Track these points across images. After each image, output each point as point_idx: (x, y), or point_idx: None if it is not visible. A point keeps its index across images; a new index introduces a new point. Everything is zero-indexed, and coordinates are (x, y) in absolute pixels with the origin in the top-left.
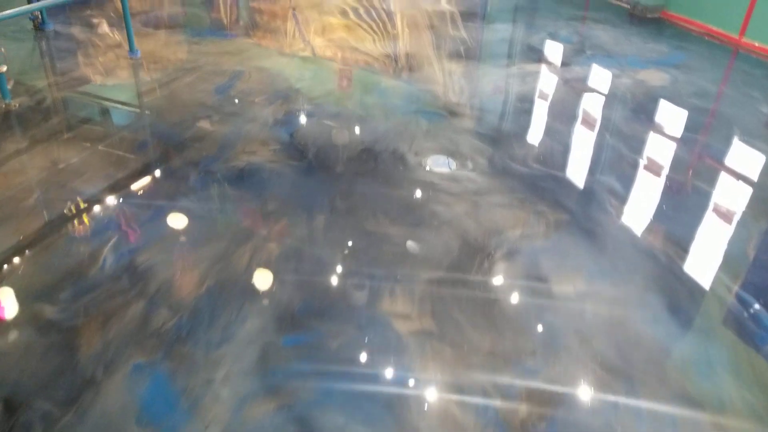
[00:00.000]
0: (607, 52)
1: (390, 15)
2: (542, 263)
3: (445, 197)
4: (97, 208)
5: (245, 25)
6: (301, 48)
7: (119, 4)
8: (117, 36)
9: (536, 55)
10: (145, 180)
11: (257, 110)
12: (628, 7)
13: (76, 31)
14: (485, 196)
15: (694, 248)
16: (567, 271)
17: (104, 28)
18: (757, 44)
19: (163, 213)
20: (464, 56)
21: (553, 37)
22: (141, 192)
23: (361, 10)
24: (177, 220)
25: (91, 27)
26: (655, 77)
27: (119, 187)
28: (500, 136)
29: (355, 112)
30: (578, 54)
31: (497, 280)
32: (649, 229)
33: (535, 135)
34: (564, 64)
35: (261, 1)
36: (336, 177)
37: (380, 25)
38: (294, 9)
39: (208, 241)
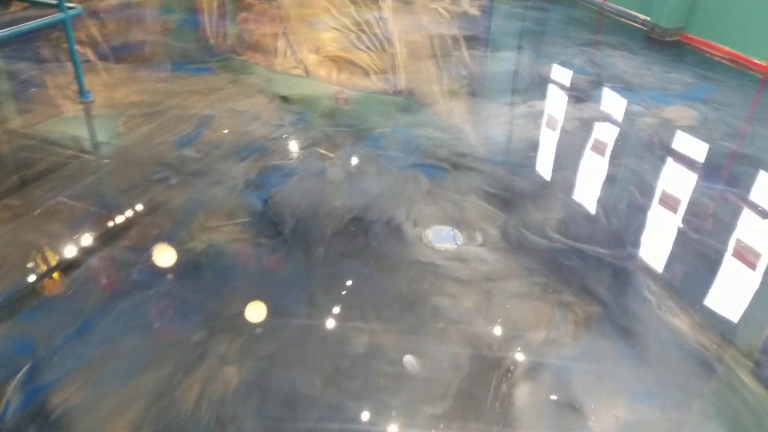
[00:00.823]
0: (626, 84)
1: (389, 42)
2: (574, 382)
3: (450, 286)
4: None
5: (225, 54)
6: (286, 86)
7: (84, 33)
8: (70, 74)
9: (548, 90)
10: (70, 278)
11: (226, 168)
12: (645, 29)
13: (23, 67)
14: (498, 282)
15: (762, 351)
16: (605, 393)
17: (56, 63)
18: None
19: (89, 328)
20: (468, 92)
21: (565, 66)
22: (62, 298)
23: (357, 37)
24: (106, 338)
25: (41, 62)
26: (682, 115)
27: (32, 291)
28: (513, 197)
29: (344, 168)
30: (594, 87)
31: (519, 413)
32: (700, 324)
33: (552, 194)
34: (579, 99)
35: (248, 27)
36: (318, 260)
37: (377, 54)
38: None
39: (146, 368)
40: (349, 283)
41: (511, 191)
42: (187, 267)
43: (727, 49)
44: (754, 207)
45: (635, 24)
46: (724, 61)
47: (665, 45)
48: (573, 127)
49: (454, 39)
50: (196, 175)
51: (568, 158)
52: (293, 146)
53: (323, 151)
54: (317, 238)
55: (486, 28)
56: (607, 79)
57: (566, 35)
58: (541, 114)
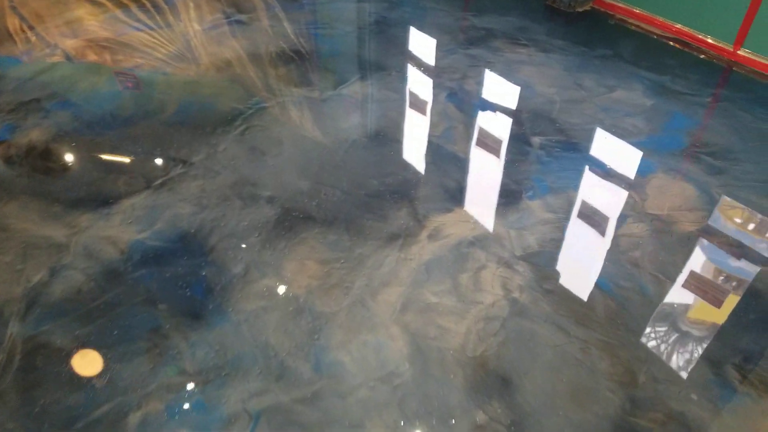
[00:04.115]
0: (565, 137)
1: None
2: None
3: None
4: None
5: None
6: None
7: None
8: None
9: (443, 183)
10: None
11: None
12: None
13: None
14: None
15: None
16: None
17: None
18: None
19: None
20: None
21: (454, 99)
22: None
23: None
24: None
25: None
26: (676, 203)
27: None
28: None
29: None
30: (522, 157)
31: None
32: None
33: None
34: (506, 201)
35: None
36: None
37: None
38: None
39: None
40: None
41: None
42: None
43: (668, 22)
44: None
45: None
46: (670, 43)
47: (579, 23)
48: (521, 289)
49: (260, 63)
50: None
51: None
52: None
53: None
54: None
55: (314, 28)
56: (530, 124)
57: (436, 26)
58: (444, 261)
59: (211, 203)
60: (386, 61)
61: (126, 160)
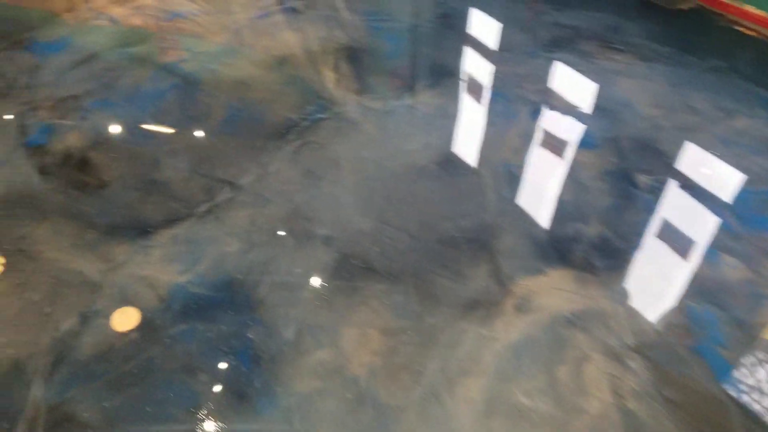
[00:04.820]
0: (678, 178)
1: None
2: None
3: None
4: None
5: None
6: None
7: None
8: None
9: (530, 232)
10: None
11: None
12: None
13: None
14: None
15: None
16: None
17: None
18: None
19: None
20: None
21: (539, 117)
22: None
23: None
24: None
25: None
26: None
27: None
28: None
29: None
30: (626, 201)
31: None
32: None
33: None
34: (611, 264)
35: None
36: None
37: None
38: None
39: None
40: None
41: None
42: None
43: None
44: None
45: None
46: None
47: (682, 23)
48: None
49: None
50: None
51: None
52: None
53: None
54: None
55: (375, 20)
56: (629, 155)
57: (514, 21)
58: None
59: (261, 240)
60: (456, 63)
61: (168, 177)
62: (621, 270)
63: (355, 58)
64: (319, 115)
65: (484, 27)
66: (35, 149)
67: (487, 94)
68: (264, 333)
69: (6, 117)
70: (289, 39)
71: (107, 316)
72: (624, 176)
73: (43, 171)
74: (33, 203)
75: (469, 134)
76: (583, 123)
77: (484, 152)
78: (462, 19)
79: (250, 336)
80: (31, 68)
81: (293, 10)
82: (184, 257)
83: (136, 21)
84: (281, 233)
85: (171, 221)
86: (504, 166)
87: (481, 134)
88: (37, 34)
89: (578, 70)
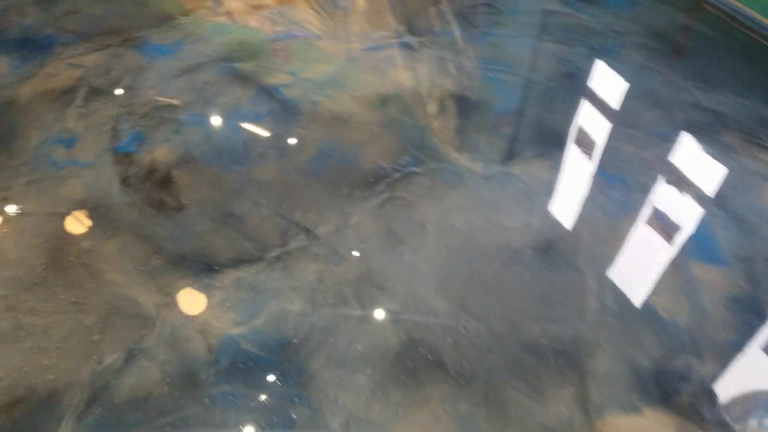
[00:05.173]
0: None
1: None
2: None
3: None
4: None
5: None
6: None
7: None
8: None
9: (632, 358)
10: None
11: None
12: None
13: None
14: None
15: None
16: None
17: None
18: None
19: None
20: None
21: (663, 220)
22: None
23: None
24: None
25: None
26: None
27: None
28: None
29: None
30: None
31: None
32: None
33: None
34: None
35: None
36: None
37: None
38: None
39: None
40: None
41: None
42: None
43: None
44: None
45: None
46: None
47: None
48: None
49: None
50: None
51: None
52: None
53: None
54: None
55: (491, 69)
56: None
57: (647, 93)
58: None
59: (327, 302)
60: (573, 133)
61: (245, 212)
62: (735, 429)
63: (463, 109)
64: (413, 168)
65: (610, 95)
66: (122, 157)
67: (603, 176)
68: (309, 416)
69: (104, 116)
70: (397, 77)
71: (153, 358)
72: (754, 308)
73: (125, 182)
74: (107, 215)
75: (576, 220)
76: (713, 232)
77: (591, 246)
78: (587, 82)
79: (294, 416)
80: (137, 69)
81: (408, 46)
82: (244, 306)
83: (253, 22)
84: (349, 299)
85: (239, 262)
86: (612, 267)
87: (591, 223)
88: (151, 34)
89: (715, 166)
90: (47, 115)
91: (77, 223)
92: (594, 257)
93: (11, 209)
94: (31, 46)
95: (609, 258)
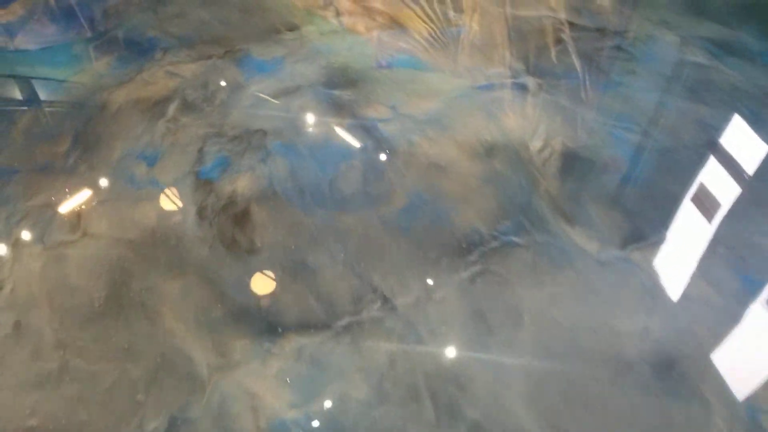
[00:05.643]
0: None
1: None
2: None
3: None
4: None
5: None
6: None
7: None
8: None
9: None
10: None
11: None
12: None
13: None
14: None
15: None
16: None
17: None
18: None
19: None
20: None
21: None
22: None
23: None
24: None
25: None
26: None
27: None
28: None
29: None
30: None
31: None
32: None
33: None
34: None
35: None
36: None
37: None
38: None
39: None
40: None
41: None
42: None
43: None
44: None
45: None
46: None
47: None
48: None
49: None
50: None
51: None
52: None
53: None
54: None
55: (618, 126)
56: None
57: None
58: None
59: (395, 394)
60: (715, 219)
61: (320, 264)
62: None
63: (581, 172)
64: (514, 238)
65: (761, 174)
66: (203, 183)
67: (747, 280)
68: None
69: (192, 135)
70: (507, 123)
71: None
72: None
73: (201, 212)
74: (176, 249)
75: (709, 334)
76: None
77: (725, 371)
78: (732, 154)
79: None
80: (233, 86)
81: (524, 88)
82: (302, 384)
83: (360, 45)
84: (422, 394)
85: (304, 326)
86: (749, 408)
87: (727, 341)
88: (253, 48)
89: None
90: (136, 126)
91: (144, 254)
92: (726, 387)
93: (81, 228)
94: (133, 48)
95: (745, 390)
